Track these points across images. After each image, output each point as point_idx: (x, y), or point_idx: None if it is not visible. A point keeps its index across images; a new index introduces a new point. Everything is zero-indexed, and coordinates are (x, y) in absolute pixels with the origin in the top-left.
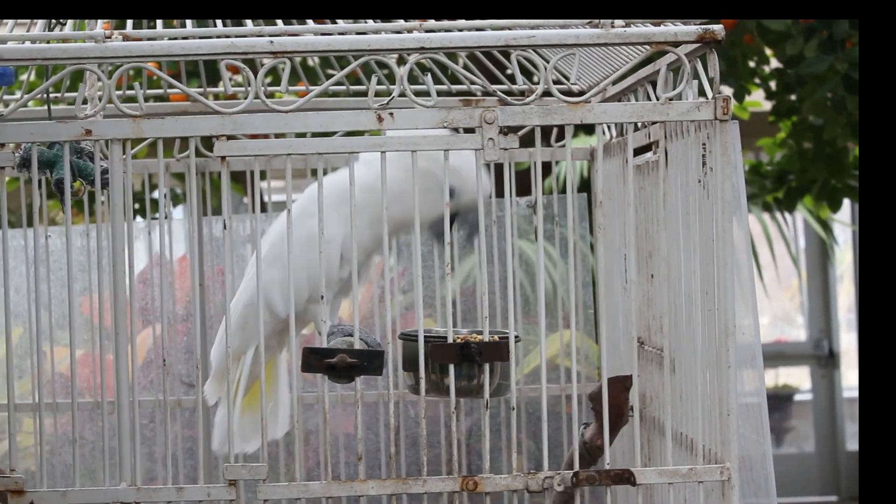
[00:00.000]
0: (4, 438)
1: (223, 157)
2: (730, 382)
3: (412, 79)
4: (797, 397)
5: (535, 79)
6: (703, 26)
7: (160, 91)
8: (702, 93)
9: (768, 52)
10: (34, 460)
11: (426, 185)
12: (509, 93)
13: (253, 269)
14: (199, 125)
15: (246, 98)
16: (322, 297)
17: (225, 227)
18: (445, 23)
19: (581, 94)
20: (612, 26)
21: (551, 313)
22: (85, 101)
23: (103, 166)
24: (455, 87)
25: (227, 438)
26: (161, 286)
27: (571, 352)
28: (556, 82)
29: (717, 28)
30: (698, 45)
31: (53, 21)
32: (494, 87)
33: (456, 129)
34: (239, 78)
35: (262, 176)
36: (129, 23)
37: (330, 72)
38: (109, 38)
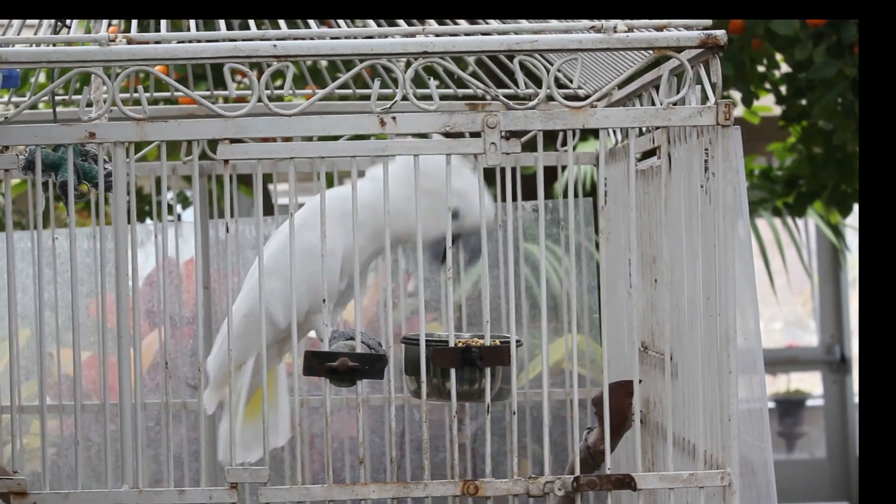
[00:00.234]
0: (16, 440)
1: (226, 161)
2: (731, 388)
3: (420, 83)
4: (809, 403)
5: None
6: (705, 31)
7: (168, 94)
8: (706, 98)
9: (778, 56)
10: (41, 462)
11: (429, 205)
12: (515, 97)
13: (253, 278)
14: (203, 129)
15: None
16: (324, 301)
17: (227, 231)
18: (450, 27)
19: (588, 98)
20: (615, 31)
21: (557, 318)
22: (91, 104)
23: (107, 169)
24: (461, 91)
25: (229, 448)
26: (163, 288)
27: (573, 356)
28: (562, 86)
29: (720, 33)
30: (701, 50)
31: (59, 24)
32: (498, 91)
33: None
34: (248, 80)
35: (270, 179)
36: (134, 26)
37: (338, 75)
38: (113, 41)
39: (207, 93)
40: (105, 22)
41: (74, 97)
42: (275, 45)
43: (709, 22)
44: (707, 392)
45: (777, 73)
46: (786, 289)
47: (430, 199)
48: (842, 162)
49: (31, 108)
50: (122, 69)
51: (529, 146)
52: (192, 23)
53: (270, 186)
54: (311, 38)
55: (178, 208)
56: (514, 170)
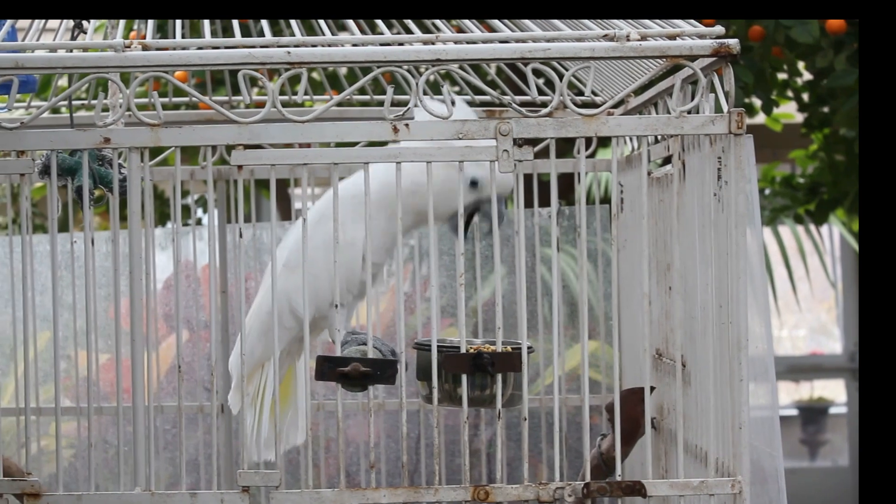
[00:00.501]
0: (30, 442)
1: (240, 167)
2: (742, 395)
3: (435, 90)
4: (832, 410)
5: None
6: (718, 40)
7: (187, 99)
8: (719, 107)
9: (801, 64)
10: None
11: (447, 177)
12: (531, 104)
13: (274, 276)
14: (217, 134)
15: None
16: (337, 307)
17: (241, 236)
18: (464, 35)
19: (603, 105)
20: (628, 39)
21: (574, 324)
22: (107, 109)
23: (123, 174)
24: (479, 98)
25: (252, 446)
26: (175, 292)
27: (584, 362)
28: (578, 94)
29: (732, 42)
30: (714, 59)
31: (76, 29)
32: (516, 97)
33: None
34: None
35: (288, 184)
36: (150, 31)
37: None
38: (128, 47)
39: (225, 98)
40: (122, 27)
41: (94, 102)
42: (289, 52)
43: (721, 30)
44: (718, 399)
45: (799, 81)
46: (810, 296)
47: (448, 170)
48: None
49: (53, 112)
50: (139, 75)
51: (544, 154)
52: (208, 28)
53: (293, 191)
54: (326, 45)
55: (199, 212)
56: (519, 176)
